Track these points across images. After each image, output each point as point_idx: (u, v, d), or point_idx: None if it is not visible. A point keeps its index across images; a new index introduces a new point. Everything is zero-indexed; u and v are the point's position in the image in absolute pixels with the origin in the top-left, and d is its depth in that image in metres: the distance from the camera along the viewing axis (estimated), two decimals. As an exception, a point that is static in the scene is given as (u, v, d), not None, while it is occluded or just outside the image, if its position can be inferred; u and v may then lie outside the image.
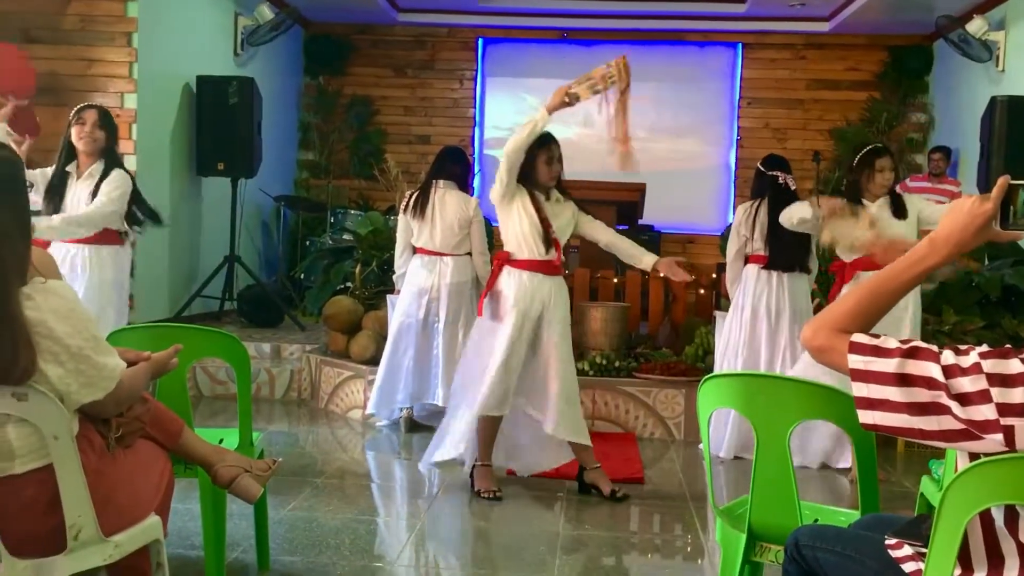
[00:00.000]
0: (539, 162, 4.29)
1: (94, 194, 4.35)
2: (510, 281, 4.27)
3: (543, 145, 4.30)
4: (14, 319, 1.93)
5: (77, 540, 2.06)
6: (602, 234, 4.50)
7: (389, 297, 5.66)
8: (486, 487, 4.26)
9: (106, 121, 4.40)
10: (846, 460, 4.90)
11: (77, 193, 4.38)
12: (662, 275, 4.50)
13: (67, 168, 4.42)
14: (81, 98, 6.32)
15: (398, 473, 4.91)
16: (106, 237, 4.46)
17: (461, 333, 5.34)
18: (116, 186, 4.38)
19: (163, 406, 2.60)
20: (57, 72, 6.33)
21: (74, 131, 4.35)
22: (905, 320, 4.62)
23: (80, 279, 4.38)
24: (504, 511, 4.28)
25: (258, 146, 7.29)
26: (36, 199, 4.66)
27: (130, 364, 2.29)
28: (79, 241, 4.41)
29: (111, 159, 4.43)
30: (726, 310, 5.45)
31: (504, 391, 4.17)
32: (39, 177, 4.49)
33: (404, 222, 5.38)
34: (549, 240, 4.25)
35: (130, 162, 6.23)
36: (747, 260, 5.21)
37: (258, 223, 8.86)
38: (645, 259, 4.43)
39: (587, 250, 6.84)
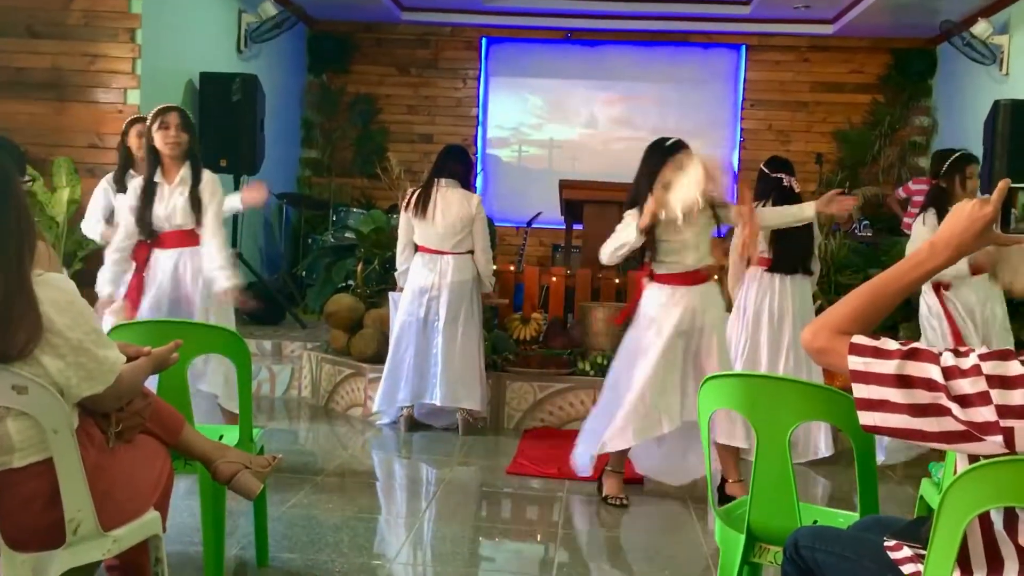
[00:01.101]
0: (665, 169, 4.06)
1: (192, 201, 4.19)
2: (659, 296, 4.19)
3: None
4: (31, 292, 1.95)
5: (76, 534, 2.06)
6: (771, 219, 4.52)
7: (391, 295, 5.66)
8: (614, 494, 4.21)
9: (187, 122, 4.27)
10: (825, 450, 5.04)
11: (171, 201, 4.21)
12: (824, 202, 4.39)
13: (156, 178, 4.22)
14: (84, 94, 6.34)
15: (398, 471, 4.91)
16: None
17: (461, 332, 5.34)
18: (214, 193, 4.27)
19: (163, 402, 2.60)
20: (60, 67, 6.33)
21: (158, 136, 4.18)
22: (994, 326, 4.68)
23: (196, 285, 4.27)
24: (504, 511, 4.29)
25: (261, 143, 7.28)
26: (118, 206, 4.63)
27: (131, 359, 2.30)
28: (187, 244, 4.27)
29: (195, 162, 4.29)
30: (729, 312, 5.45)
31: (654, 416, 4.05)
32: (111, 194, 4.48)
33: (406, 220, 5.38)
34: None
35: (133, 158, 6.24)
36: (750, 262, 5.21)
37: (260, 220, 8.85)
38: (807, 211, 4.40)
39: (589, 250, 6.83)
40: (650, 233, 4.06)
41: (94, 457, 2.12)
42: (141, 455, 2.34)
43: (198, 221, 4.22)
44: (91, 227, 4.91)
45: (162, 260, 4.24)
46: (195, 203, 4.21)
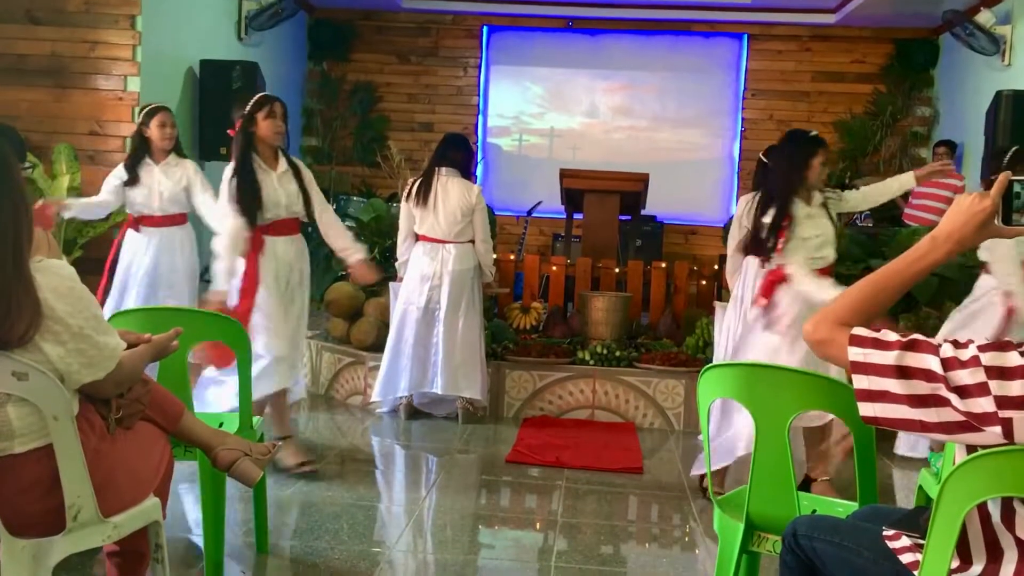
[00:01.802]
0: (814, 162, 4.04)
1: (302, 189, 4.26)
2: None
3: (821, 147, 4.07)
4: (30, 279, 1.95)
5: (76, 520, 2.07)
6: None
7: (392, 284, 5.66)
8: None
9: (286, 112, 4.36)
10: None
11: (281, 185, 4.22)
12: (926, 172, 4.43)
13: (254, 165, 4.20)
14: (84, 81, 6.33)
15: (397, 459, 4.92)
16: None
17: (462, 321, 5.34)
18: (311, 180, 4.41)
19: (163, 389, 2.60)
20: (60, 54, 6.32)
21: (266, 124, 4.19)
22: None
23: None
24: (503, 499, 4.30)
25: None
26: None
27: (131, 346, 2.30)
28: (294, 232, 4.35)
29: (285, 151, 4.37)
30: (727, 301, 5.44)
31: None
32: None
33: (406, 209, 5.38)
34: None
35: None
36: (747, 252, 5.19)
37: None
38: (909, 181, 4.42)
39: (590, 239, 6.84)
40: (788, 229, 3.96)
41: (94, 443, 2.12)
42: (141, 442, 2.34)
43: (307, 208, 4.30)
44: (100, 195, 5.01)
45: (279, 247, 4.24)
46: (305, 192, 4.30)
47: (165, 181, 5.06)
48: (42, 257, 2.03)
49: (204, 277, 5.11)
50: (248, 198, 4.11)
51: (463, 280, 5.34)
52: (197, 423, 2.66)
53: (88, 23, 6.33)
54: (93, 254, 6.02)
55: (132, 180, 5.02)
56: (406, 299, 5.38)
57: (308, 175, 4.38)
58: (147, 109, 5.13)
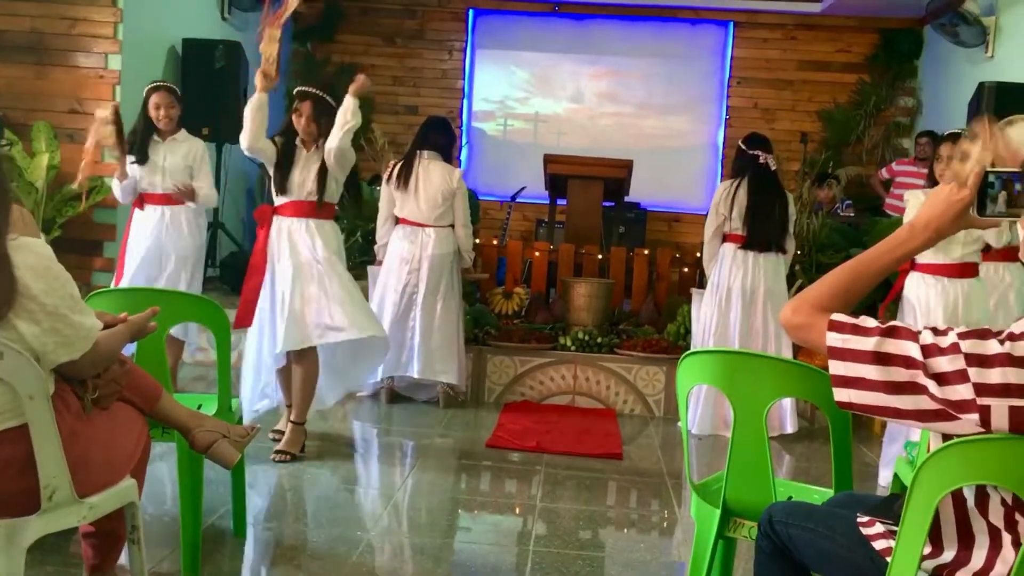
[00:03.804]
0: None
1: (320, 177, 4.33)
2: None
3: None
4: (5, 256, 1.93)
5: (51, 501, 2.05)
6: None
7: (370, 268, 5.64)
8: None
9: (321, 105, 4.40)
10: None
11: (306, 167, 4.35)
12: None
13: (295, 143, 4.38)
14: (64, 58, 6.25)
15: (377, 443, 4.92)
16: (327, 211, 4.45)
17: (440, 305, 5.33)
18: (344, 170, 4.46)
19: (141, 370, 2.58)
20: (40, 31, 6.24)
21: (296, 121, 4.35)
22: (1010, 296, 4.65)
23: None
24: (483, 483, 4.30)
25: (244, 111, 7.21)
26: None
27: (108, 327, 2.28)
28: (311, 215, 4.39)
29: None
30: (703, 288, 5.47)
31: None
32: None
33: (387, 192, 5.35)
34: None
35: (113, 124, 6.15)
36: (725, 239, 5.22)
37: (243, 190, 8.79)
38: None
39: (573, 225, 6.83)
40: None
41: (70, 423, 2.11)
42: (118, 422, 2.32)
43: (320, 194, 4.32)
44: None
45: (286, 228, 4.34)
46: (322, 177, 4.30)
47: (171, 157, 4.96)
48: (17, 235, 2.01)
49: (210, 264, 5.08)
50: (275, 170, 4.34)
51: (442, 264, 5.33)
52: (175, 404, 2.64)
53: (68, 0, 6.25)
54: (72, 234, 5.97)
55: (141, 159, 4.92)
56: (384, 282, 5.36)
57: (334, 165, 4.32)
58: (148, 87, 5.02)
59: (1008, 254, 4.50)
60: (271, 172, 4.37)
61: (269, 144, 4.33)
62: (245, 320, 4.28)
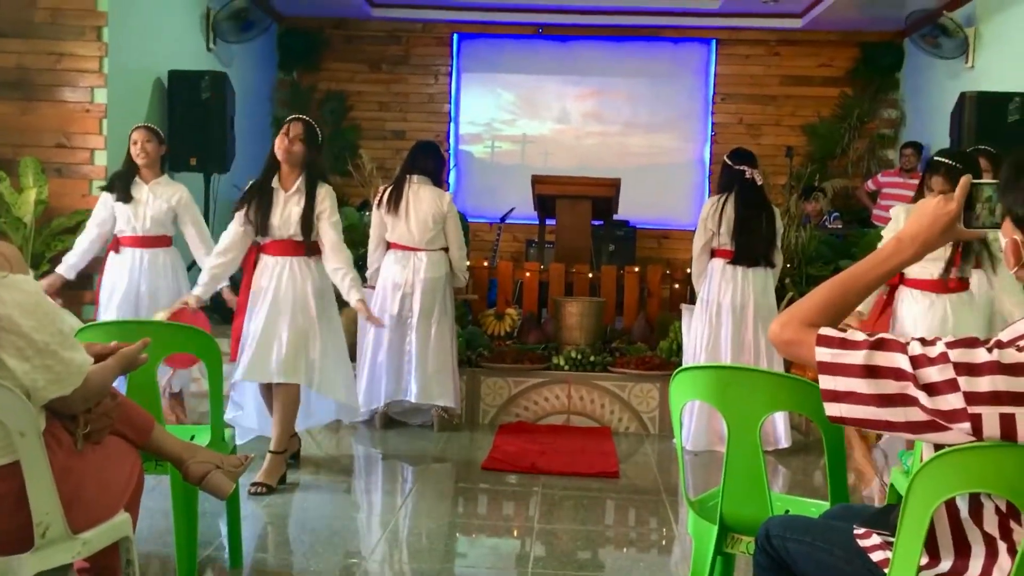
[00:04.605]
0: None
1: (305, 214, 4.22)
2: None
3: None
4: None
5: (44, 538, 2.04)
6: None
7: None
8: None
9: (311, 134, 4.29)
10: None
11: (287, 209, 4.25)
12: None
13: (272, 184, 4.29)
14: (51, 93, 6.25)
15: (373, 469, 4.90)
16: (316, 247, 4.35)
17: (434, 329, 5.32)
18: (334, 208, 4.33)
19: (133, 402, 2.57)
20: (26, 66, 6.24)
21: (277, 140, 4.25)
22: None
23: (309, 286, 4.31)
24: (480, 506, 4.29)
25: (231, 142, 7.21)
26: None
27: (98, 359, 2.27)
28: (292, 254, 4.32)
29: (312, 175, 4.30)
30: (693, 304, 5.48)
31: None
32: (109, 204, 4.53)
33: (378, 217, 5.36)
34: None
35: (100, 157, 6.15)
36: (714, 254, 5.23)
37: (232, 219, 8.78)
38: None
39: (562, 245, 6.85)
40: None
41: (62, 459, 2.10)
42: (110, 457, 2.31)
43: (306, 233, 4.23)
44: (84, 236, 4.95)
45: (271, 266, 4.29)
46: (307, 216, 4.22)
47: (153, 201, 4.93)
48: (6, 272, 2.01)
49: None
50: (254, 212, 4.26)
51: (435, 288, 5.33)
52: (168, 436, 2.63)
53: (54, 34, 6.26)
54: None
55: (124, 198, 4.89)
56: (379, 307, 5.35)
57: (322, 202, 4.26)
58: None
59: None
60: (251, 217, 4.28)
61: (235, 245, 4.33)
62: (236, 358, 4.27)
